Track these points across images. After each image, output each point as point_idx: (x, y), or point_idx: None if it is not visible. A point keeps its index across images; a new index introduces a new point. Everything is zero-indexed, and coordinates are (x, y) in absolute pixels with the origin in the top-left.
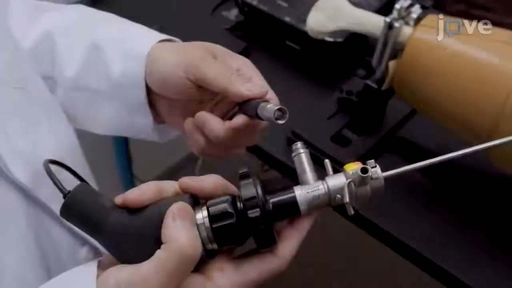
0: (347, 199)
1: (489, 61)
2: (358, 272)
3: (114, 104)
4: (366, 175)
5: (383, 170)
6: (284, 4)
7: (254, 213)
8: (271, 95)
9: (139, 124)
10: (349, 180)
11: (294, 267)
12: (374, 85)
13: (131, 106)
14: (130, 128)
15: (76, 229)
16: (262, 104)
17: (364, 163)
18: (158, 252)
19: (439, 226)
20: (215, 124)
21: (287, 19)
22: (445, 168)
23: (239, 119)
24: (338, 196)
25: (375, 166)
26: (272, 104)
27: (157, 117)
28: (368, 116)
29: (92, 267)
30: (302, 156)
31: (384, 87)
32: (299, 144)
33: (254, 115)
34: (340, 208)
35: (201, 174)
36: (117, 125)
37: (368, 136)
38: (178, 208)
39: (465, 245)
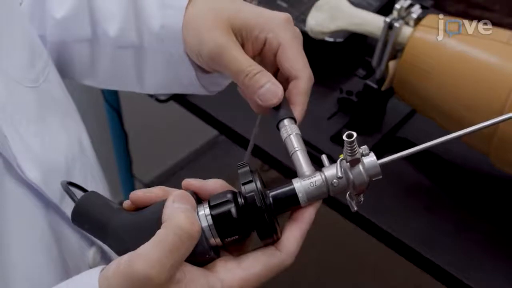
0: (339, 173)
1: (489, 61)
2: (358, 272)
3: (158, 58)
4: (351, 139)
5: (383, 170)
6: (284, 4)
7: (250, 192)
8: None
9: (184, 77)
10: (341, 158)
11: (294, 267)
12: (374, 85)
13: (173, 58)
14: (177, 83)
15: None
16: (285, 122)
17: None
18: (158, 231)
19: (439, 226)
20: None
21: None
22: (446, 168)
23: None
24: (335, 181)
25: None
26: (288, 126)
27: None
28: (368, 116)
29: (97, 268)
30: (298, 152)
31: (384, 87)
32: (294, 142)
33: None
34: (341, 208)
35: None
36: (164, 81)
37: (368, 136)
38: (179, 193)
39: (465, 245)
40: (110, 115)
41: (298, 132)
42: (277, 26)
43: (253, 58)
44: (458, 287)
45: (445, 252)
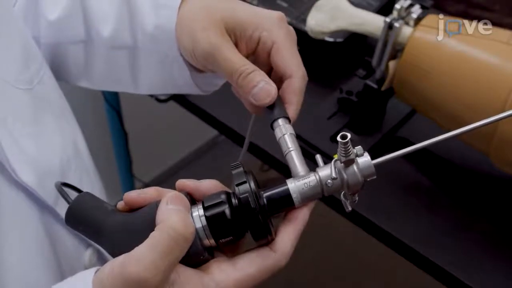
0: (333, 174)
1: (489, 61)
2: (358, 272)
3: (152, 58)
4: (345, 140)
5: (383, 169)
6: (284, 4)
7: (244, 193)
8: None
9: (178, 77)
10: (335, 159)
11: (293, 267)
12: (374, 85)
13: (167, 59)
14: (171, 83)
15: None
16: (279, 122)
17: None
18: (151, 233)
19: (439, 226)
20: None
21: (287, 19)
22: (446, 168)
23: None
24: (329, 181)
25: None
26: (283, 126)
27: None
28: (368, 116)
29: (92, 269)
30: (292, 153)
31: (384, 87)
32: (288, 142)
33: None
34: (340, 208)
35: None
36: (159, 81)
37: (368, 136)
38: (172, 194)
39: (465, 245)
40: (110, 115)
41: (293, 132)
42: (271, 24)
43: (247, 57)
44: (458, 287)
45: (445, 252)
